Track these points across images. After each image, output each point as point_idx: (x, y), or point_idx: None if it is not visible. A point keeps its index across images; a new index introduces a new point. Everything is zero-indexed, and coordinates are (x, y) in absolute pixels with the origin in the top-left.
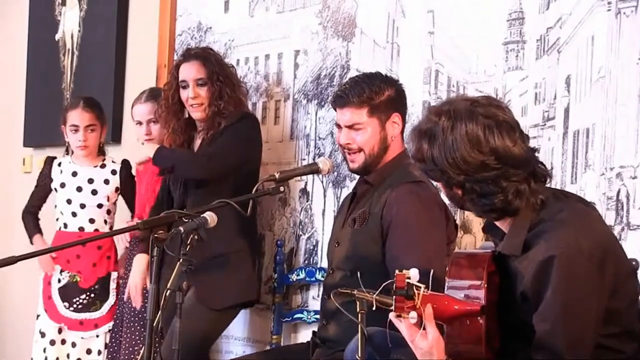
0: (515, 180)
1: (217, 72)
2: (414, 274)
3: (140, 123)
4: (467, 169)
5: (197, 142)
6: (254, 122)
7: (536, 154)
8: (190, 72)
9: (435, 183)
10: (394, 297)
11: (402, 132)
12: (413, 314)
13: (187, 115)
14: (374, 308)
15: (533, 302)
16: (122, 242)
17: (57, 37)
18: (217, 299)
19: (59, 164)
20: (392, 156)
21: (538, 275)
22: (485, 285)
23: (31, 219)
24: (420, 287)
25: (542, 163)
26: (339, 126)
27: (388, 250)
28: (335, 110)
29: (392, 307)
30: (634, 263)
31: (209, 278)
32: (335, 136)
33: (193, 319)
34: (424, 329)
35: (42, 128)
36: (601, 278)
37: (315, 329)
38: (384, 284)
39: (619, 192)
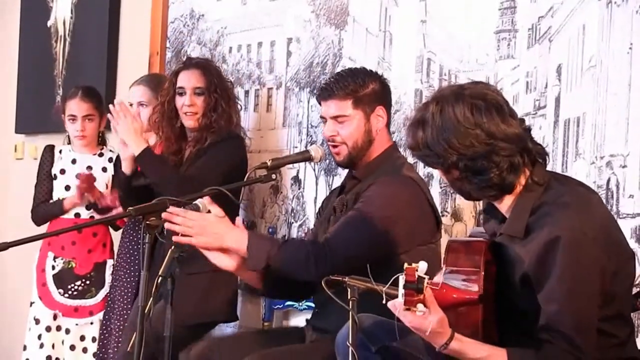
0: (507, 154)
1: (216, 83)
2: (422, 267)
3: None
4: (459, 148)
5: (186, 154)
6: (238, 144)
7: (530, 133)
8: (189, 80)
9: (435, 179)
10: (404, 290)
11: (388, 125)
12: (421, 306)
13: (180, 124)
14: (384, 301)
15: (536, 283)
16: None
17: (49, 23)
18: (191, 315)
19: (60, 151)
20: (379, 150)
21: (542, 257)
22: (483, 274)
23: (43, 206)
24: (424, 279)
25: (538, 143)
26: (324, 119)
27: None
28: (320, 104)
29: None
30: None
31: (184, 292)
32: (322, 129)
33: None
34: (427, 311)
35: (34, 115)
36: (606, 260)
37: (307, 316)
38: (393, 278)
39: (609, 180)
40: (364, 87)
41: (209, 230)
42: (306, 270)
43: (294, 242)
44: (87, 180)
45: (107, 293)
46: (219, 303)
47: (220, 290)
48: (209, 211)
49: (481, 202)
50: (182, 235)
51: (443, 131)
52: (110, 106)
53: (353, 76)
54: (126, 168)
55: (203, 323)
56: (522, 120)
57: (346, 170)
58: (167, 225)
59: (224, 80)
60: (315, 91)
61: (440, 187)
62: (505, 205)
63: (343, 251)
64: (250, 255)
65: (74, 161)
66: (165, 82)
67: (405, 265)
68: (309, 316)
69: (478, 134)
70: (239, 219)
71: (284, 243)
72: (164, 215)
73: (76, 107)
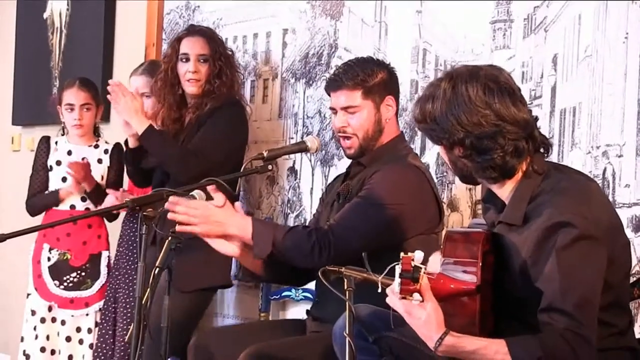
0: (513, 138)
1: (220, 51)
2: (418, 257)
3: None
4: (467, 125)
5: (186, 120)
6: (238, 110)
7: (537, 122)
8: (193, 47)
9: (436, 160)
10: (400, 279)
11: (397, 114)
12: (417, 295)
13: (181, 91)
14: (379, 290)
15: (535, 269)
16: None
17: (45, 15)
18: (188, 282)
19: (56, 143)
20: (387, 139)
21: (542, 241)
22: (480, 264)
23: (39, 196)
24: (421, 268)
25: (544, 135)
26: (334, 110)
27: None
28: (329, 95)
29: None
30: None
31: (180, 260)
32: (331, 121)
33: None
34: (422, 300)
35: (30, 107)
36: (604, 245)
37: (304, 307)
38: (389, 267)
39: (605, 170)
40: (373, 77)
41: (211, 218)
42: (310, 258)
43: (299, 230)
44: (83, 169)
45: (104, 284)
46: (216, 268)
47: (217, 256)
48: (210, 198)
49: (478, 192)
50: (185, 224)
51: (453, 107)
52: (109, 87)
53: (362, 66)
54: (132, 143)
55: (202, 289)
56: (530, 111)
57: (345, 161)
58: (169, 215)
59: (226, 49)
60: (318, 77)
61: (437, 177)
62: (505, 191)
63: (347, 239)
64: (255, 243)
65: (69, 152)
66: None
67: (402, 254)
68: (306, 306)
69: (487, 114)
70: (238, 204)
71: (289, 231)
72: (166, 205)
73: (74, 96)
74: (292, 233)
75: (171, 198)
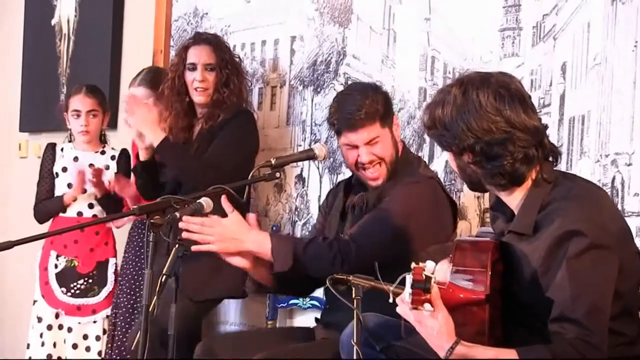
0: (523, 145)
1: (227, 59)
2: (429, 267)
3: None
4: (477, 131)
5: (196, 129)
6: (250, 119)
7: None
8: (200, 55)
9: (444, 168)
10: (412, 290)
11: None
12: (428, 306)
13: (189, 99)
14: (390, 300)
15: (546, 278)
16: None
17: (53, 22)
18: (199, 291)
19: (62, 149)
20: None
21: (553, 250)
22: (490, 273)
23: (45, 203)
24: (432, 278)
25: (553, 143)
26: (353, 147)
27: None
28: (340, 134)
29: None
30: None
31: (192, 268)
32: (347, 157)
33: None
34: (433, 310)
35: (38, 113)
36: (615, 253)
37: (311, 315)
38: (400, 277)
39: (614, 178)
40: (379, 103)
41: (227, 235)
42: (332, 269)
43: (319, 242)
44: (99, 175)
45: (111, 291)
46: (226, 280)
47: (228, 267)
48: (217, 204)
49: (486, 201)
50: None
51: (463, 112)
52: (125, 102)
53: (365, 94)
54: (143, 156)
55: (211, 299)
56: (540, 119)
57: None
58: (184, 234)
59: (233, 56)
60: (332, 90)
61: (445, 186)
62: (515, 199)
63: (368, 250)
64: (275, 258)
65: (75, 159)
66: (164, 76)
67: (413, 264)
68: (313, 314)
69: (498, 120)
70: (252, 217)
71: (308, 243)
72: (180, 225)
73: (80, 102)
74: (312, 245)
75: (184, 217)
